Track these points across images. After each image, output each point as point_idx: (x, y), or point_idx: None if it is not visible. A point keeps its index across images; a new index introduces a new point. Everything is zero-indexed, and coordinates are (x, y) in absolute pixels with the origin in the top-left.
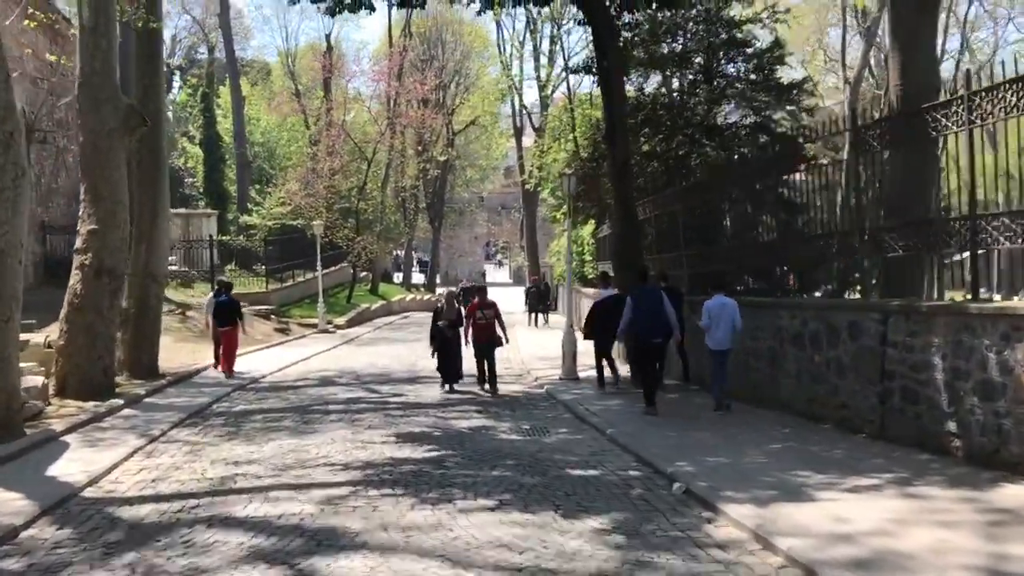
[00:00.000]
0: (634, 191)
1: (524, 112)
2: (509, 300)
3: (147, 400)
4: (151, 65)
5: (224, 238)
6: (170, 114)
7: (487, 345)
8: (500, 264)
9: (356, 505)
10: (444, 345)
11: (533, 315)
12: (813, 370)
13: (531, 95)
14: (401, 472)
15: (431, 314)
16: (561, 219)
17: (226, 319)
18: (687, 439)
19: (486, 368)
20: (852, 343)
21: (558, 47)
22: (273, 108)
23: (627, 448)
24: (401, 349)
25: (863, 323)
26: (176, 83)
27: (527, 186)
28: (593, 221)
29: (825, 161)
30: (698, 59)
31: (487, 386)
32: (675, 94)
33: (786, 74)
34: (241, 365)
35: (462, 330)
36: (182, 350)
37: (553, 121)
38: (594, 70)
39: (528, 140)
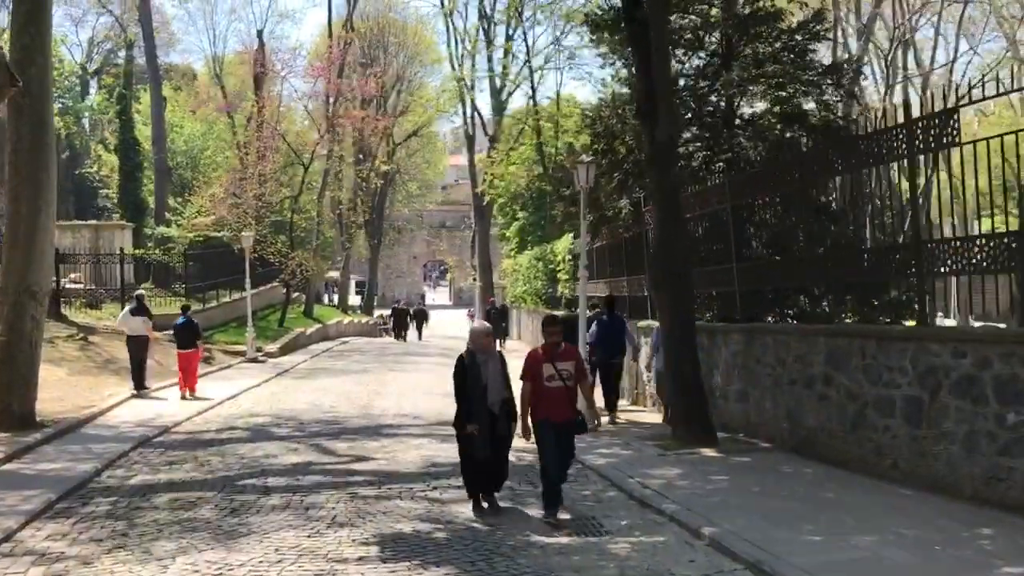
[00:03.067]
0: (677, 183)
1: (476, 116)
2: (454, 324)
3: (4, 468)
4: (34, 19)
5: (138, 252)
6: (85, 122)
7: (564, 430)
8: (435, 287)
9: None
10: (477, 433)
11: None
12: (1002, 435)
13: (481, 104)
14: None
15: (452, 369)
16: (512, 237)
17: (186, 340)
18: (848, 549)
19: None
20: None
21: (518, 43)
22: (196, 107)
23: (764, 572)
24: (348, 384)
25: None
26: (92, 88)
27: (486, 198)
28: (571, 234)
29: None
30: (714, 37)
31: (556, 514)
32: (686, 79)
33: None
34: (149, 408)
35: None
36: (79, 385)
37: (514, 125)
38: (621, 25)
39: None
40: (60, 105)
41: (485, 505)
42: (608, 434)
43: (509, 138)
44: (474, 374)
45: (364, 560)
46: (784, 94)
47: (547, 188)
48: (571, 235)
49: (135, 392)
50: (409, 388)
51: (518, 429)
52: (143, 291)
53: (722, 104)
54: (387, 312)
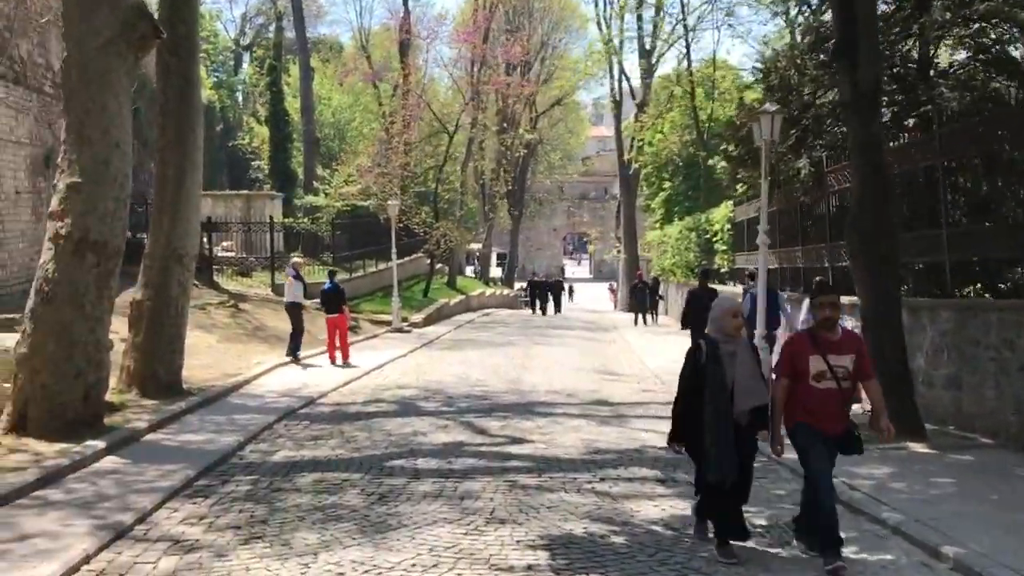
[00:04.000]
0: (881, 134)
1: (624, 80)
2: (595, 298)
3: (148, 438)
4: None
5: (287, 221)
6: (238, 95)
7: (834, 444)
8: (580, 261)
9: None
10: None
11: (640, 315)
12: None
13: (629, 69)
14: None
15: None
16: (657, 208)
17: (333, 306)
18: None
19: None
20: None
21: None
22: (343, 76)
23: None
24: (495, 356)
25: None
26: (245, 62)
27: (634, 166)
28: (730, 201)
29: None
30: None
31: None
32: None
33: None
34: (296, 377)
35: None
36: (228, 352)
37: (663, 90)
38: None
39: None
40: (215, 79)
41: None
42: None
43: (658, 104)
44: (716, 372)
45: (533, 570)
46: (987, 40)
47: (700, 154)
48: (731, 202)
49: (288, 359)
50: (556, 363)
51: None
52: (297, 259)
53: (914, 54)
54: (525, 284)
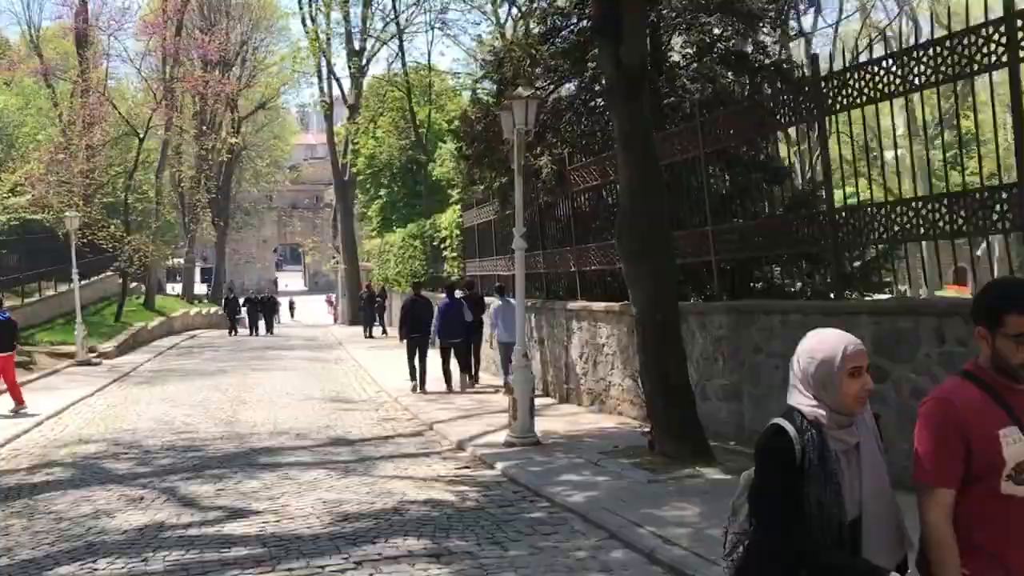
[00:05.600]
0: (651, 120)
1: (334, 81)
2: (314, 312)
3: None
4: None
5: None
6: None
7: None
8: (306, 272)
9: None
10: None
11: (370, 328)
12: None
13: (339, 72)
14: None
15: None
16: (373, 217)
17: (2, 342)
18: None
19: None
20: None
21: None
22: (8, 68)
23: None
24: (204, 389)
25: None
26: None
27: (351, 169)
28: (458, 205)
29: None
30: None
31: None
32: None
33: None
34: None
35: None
36: None
37: (374, 96)
38: None
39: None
40: None
41: None
42: (561, 449)
43: (370, 107)
44: (827, 486)
45: None
46: (708, 39)
47: (420, 158)
48: (459, 207)
49: None
50: (279, 392)
51: None
52: None
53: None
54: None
